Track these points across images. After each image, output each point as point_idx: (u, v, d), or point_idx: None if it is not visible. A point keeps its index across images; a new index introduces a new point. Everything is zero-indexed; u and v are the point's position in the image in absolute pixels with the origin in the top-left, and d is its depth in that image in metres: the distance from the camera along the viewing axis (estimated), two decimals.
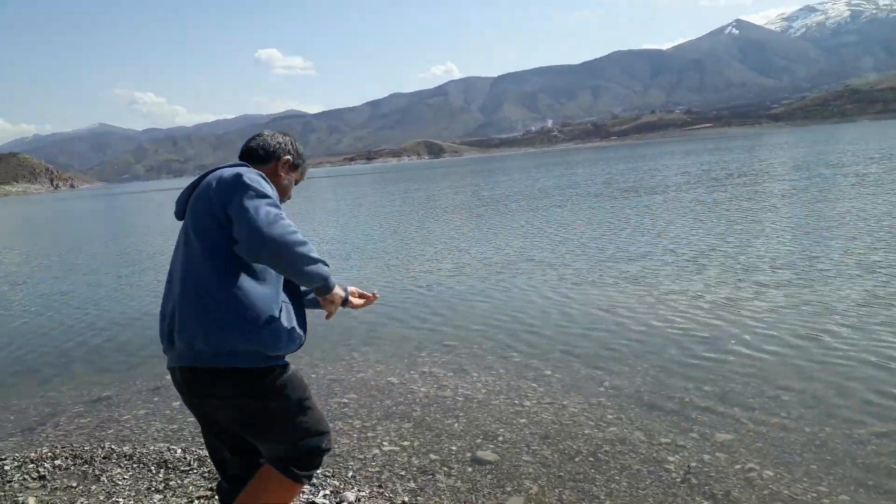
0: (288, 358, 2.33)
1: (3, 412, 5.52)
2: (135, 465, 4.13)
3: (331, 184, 72.76)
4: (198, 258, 2.19)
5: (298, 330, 2.29)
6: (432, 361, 5.97)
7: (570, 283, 8.82)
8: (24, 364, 7.10)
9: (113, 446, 4.50)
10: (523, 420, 4.49)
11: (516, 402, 4.84)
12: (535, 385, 5.16)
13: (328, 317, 2.39)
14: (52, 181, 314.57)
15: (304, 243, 2.09)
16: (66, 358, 7.21)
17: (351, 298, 2.55)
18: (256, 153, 2.46)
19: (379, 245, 14.79)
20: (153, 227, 28.20)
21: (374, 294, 2.69)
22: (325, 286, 2.24)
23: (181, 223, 2.37)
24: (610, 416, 4.44)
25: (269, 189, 2.18)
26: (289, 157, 2.50)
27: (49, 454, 4.41)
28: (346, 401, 5.13)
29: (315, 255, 2.13)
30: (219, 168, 2.30)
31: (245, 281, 2.16)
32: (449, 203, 26.95)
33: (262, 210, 2.07)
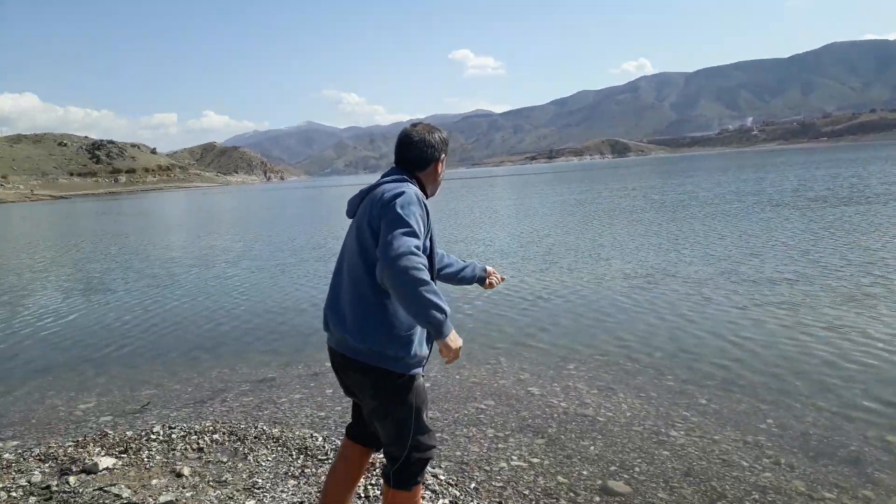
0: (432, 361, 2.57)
1: (184, 384, 6.17)
2: (279, 448, 4.40)
3: (505, 183, 73.42)
4: (359, 263, 2.43)
5: (426, 344, 2.53)
6: (578, 376, 5.73)
7: (735, 304, 8.05)
8: (206, 342, 7.88)
9: (265, 427, 4.83)
10: (666, 452, 4.14)
11: (662, 430, 4.48)
12: (686, 413, 4.75)
13: (447, 362, 2.43)
14: (265, 173, 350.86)
15: (425, 283, 2.19)
16: (242, 339, 7.90)
17: (490, 279, 3.14)
18: (418, 163, 2.64)
19: (539, 247, 14.59)
20: (330, 220, 30.19)
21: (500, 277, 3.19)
22: (437, 333, 2.28)
23: (350, 221, 2.64)
24: (767, 459, 3.96)
25: (416, 213, 2.33)
26: (443, 154, 2.69)
27: (210, 428, 4.84)
28: (484, 407, 5.08)
29: (434, 298, 2.21)
30: (386, 182, 2.53)
31: None
32: (612, 206, 25.95)
33: (397, 241, 2.22)
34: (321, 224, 27.57)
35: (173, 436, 4.68)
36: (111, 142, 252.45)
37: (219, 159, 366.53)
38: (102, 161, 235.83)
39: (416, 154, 2.61)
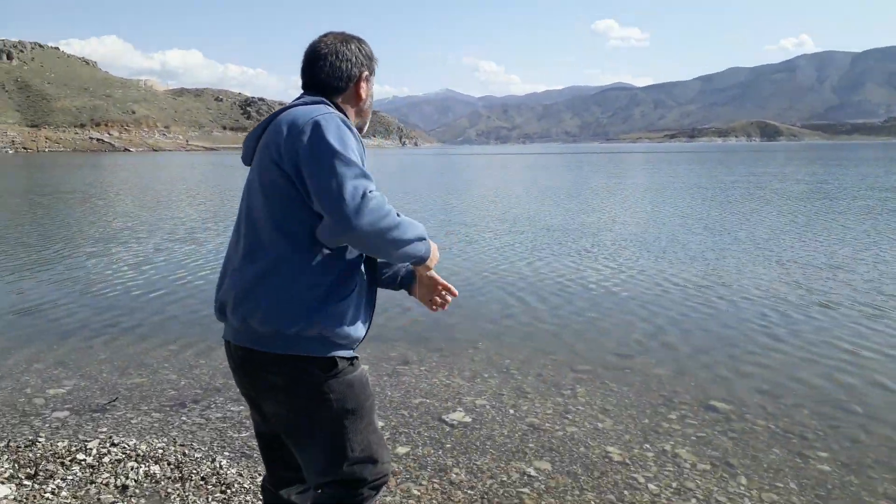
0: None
1: (181, 374, 5.01)
2: None
3: (635, 160, 69.21)
4: (261, 218, 1.82)
5: (363, 322, 1.89)
6: (684, 434, 3.97)
7: None
8: None
9: (223, 462, 3.54)
10: None
11: None
12: None
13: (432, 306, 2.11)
14: (400, 138, 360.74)
15: (396, 227, 1.69)
16: None
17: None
18: (331, 84, 1.96)
19: (653, 233, 12.44)
20: (448, 186, 28.98)
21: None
22: (419, 261, 1.87)
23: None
24: None
25: (353, 146, 1.73)
26: (366, 70, 2.01)
27: (159, 453, 3.62)
28: (534, 473, 3.48)
29: (409, 233, 1.74)
30: (292, 106, 1.88)
31: (316, 249, 1.78)
32: (715, 195, 22.63)
33: (349, 187, 1.64)
34: (431, 191, 26.42)
35: (105, 459, 3.50)
36: (262, 99, 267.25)
37: None
38: (253, 117, 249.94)
39: (328, 70, 1.96)
